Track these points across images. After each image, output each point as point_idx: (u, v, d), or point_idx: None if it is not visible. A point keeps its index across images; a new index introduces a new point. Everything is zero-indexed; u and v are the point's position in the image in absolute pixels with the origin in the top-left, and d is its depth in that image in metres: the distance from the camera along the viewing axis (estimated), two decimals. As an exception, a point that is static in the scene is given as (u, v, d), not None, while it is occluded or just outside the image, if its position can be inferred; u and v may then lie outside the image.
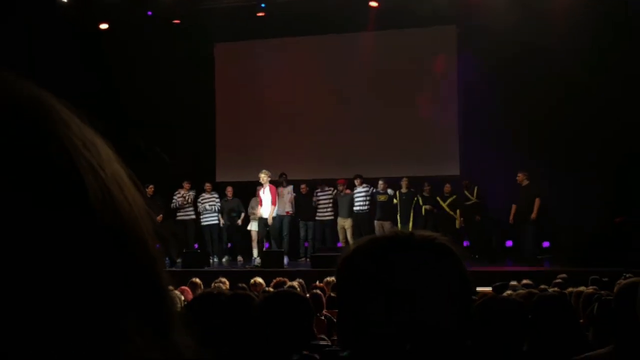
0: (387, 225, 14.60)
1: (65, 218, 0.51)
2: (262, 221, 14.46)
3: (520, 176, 13.97)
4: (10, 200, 0.50)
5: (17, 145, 0.52)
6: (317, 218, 15.34)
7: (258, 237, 14.66)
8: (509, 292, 5.59)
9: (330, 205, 15.27)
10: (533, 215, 13.58)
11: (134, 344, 0.52)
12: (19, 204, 0.50)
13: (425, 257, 1.20)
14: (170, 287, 0.60)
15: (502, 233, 14.74)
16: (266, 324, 2.65)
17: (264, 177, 14.08)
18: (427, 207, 14.64)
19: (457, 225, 14.53)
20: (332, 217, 15.26)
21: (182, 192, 15.41)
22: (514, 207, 14.06)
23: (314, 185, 15.48)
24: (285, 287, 7.52)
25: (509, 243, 14.67)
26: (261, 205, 14.35)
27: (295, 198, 15.26)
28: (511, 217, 14.10)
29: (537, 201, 13.59)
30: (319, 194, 15.33)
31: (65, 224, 0.51)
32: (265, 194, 14.25)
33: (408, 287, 1.18)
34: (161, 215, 14.75)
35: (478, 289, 7.26)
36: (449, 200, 14.67)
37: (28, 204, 0.50)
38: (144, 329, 0.54)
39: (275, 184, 14.84)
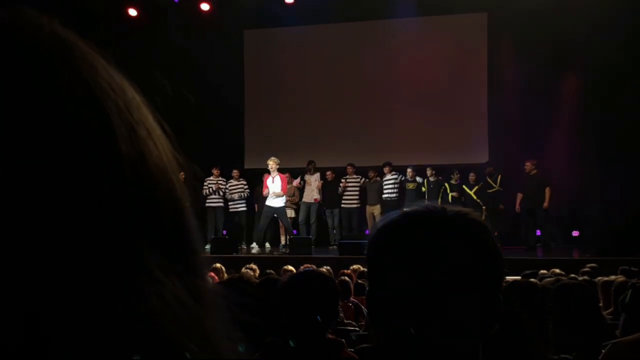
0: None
1: (92, 163, 0.50)
2: (268, 209, 13.90)
3: (528, 165, 13.86)
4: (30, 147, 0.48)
5: (37, 87, 0.50)
6: (342, 205, 15.32)
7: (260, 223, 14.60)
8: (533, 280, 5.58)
9: (358, 192, 15.25)
10: (545, 204, 13.47)
11: (155, 279, 0.51)
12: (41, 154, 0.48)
13: (458, 229, 1.19)
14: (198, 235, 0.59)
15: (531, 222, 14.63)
16: (291, 302, 2.67)
17: (272, 164, 13.61)
18: (454, 194, 14.57)
19: (483, 216, 14.43)
20: (358, 205, 15.23)
21: (213, 178, 15.52)
22: (519, 195, 13.97)
23: (340, 172, 15.45)
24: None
25: (539, 232, 14.55)
26: (265, 191, 13.92)
27: (323, 185, 15.28)
28: (517, 206, 14.03)
29: (547, 190, 13.46)
30: (347, 180, 15.31)
31: (91, 166, 0.50)
32: (274, 182, 13.76)
33: (439, 254, 1.16)
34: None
35: (507, 278, 7.24)
36: (475, 188, 14.58)
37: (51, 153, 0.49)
38: (167, 266, 0.53)
39: (304, 171, 14.86)
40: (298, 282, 2.76)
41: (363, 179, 15.20)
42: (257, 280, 3.48)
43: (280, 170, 13.82)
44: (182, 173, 0.61)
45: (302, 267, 8.55)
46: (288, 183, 14.27)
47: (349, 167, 15.29)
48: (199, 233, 0.59)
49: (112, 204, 0.50)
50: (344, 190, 15.25)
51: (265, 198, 13.85)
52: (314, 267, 8.82)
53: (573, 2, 14.24)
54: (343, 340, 2.81)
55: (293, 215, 15.21)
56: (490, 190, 14.50)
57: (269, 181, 13.77)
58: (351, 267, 9.24)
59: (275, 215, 14.02)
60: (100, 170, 0.50)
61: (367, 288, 1.29)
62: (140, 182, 0.53)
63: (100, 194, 0.50)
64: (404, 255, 1.18)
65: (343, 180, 15.25)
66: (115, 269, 0.50)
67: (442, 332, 1.16)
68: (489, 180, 14.56)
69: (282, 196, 13.78)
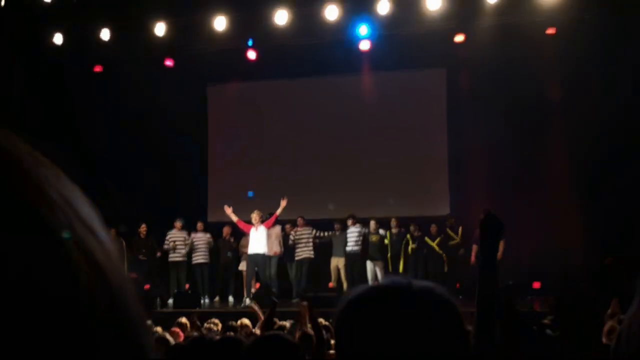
0: (379, 264, 14.67)
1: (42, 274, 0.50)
2: (252, 259, 14.40)
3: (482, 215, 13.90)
4: None
5: None
6: (296, 258, 15.21)
7: (247, 277, 14.72)
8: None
9: (310, 243, 15.24)
10: (499, 255, 13.45)
11: None
12: None
13: (424, 309, 1.21)
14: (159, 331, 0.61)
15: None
16: None
17: (256, 217, 14.13)
18: (414, 246, 14.63)
19: (445, 269, 14.51)
20: (309, 256, 15.17)
21: (175, 232, 15.44)
22: (474, 246, 13.95)
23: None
24: (275, 327, 7.52)
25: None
26: (248, 244, 14.40)
27: (283, 237, 15.28)
28: (472, 257, 13.98)
29: (501, 243, 13.45)
30: (298, 231, 15.31)
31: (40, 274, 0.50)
32: (258, 231, 14.25)
33: (407, 340, 1.18)
34: (160, 253, 15.08)
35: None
36: (437, 240, 14.67)
37: None
38: None
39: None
40: (260, 348, 2.73)
41: (314, 231, 15.22)
42: (217, 338, 3.45)
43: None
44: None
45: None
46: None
47: (299, 219, 15.34)
48: (150, 332, 0.60)
49: (63, 312, 0.50)
50: (295, 243, 15.23)
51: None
52: (277, 320, 8.80)
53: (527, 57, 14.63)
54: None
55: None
56: (452, 243, 14.60)
57: (252, 231, 14.28)
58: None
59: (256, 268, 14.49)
60: (50, 276, 0.50)
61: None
62: (95, 302, 0.53)
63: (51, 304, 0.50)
64: (370, 331, 1.20)
65: (292, 233, 15.24)
66: None
67: None
68: (449, 232, 14.67)
69: (265, 242, 14.32)
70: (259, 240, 14.30)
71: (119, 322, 0.55)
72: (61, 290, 0.50)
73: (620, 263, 11.38)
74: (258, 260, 14.39)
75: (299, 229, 15.27)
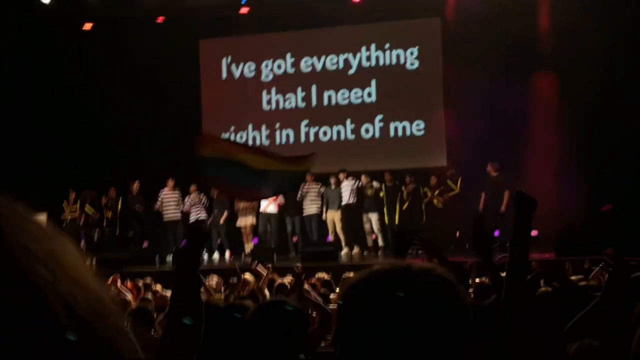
0: (374, 217, 14.72)
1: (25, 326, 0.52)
2: (264, 217, 15.06)
3: (489, 167, 14.02)
4: None
5: None
6: (304, 214, 15.30)
7: (249, 232, 14.94)
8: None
9: (318, 199, 15.28)
10: (502, 209, 13.58)
11: None
12: None
13: (425, 292, 1.21)
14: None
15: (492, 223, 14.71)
16: (257, 338, 2.63)
17: None
18: (407, 202, 14.66)
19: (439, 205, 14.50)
20: (317, 212, 15.23)
21: (167, 190, 15.43)
22: (482, 195, 14.12)
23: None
24: (275, 285, 7.54)
25: (497, 233, 14.68)
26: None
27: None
28: (480, 206, 14.10)
29: (506, 194, 13.57)
30: (305, 188, 15.32)
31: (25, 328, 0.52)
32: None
33: (409, 324, 1.18)
34: (142, 207, 15.27)
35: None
36: (437, 191, 14.66)
37: None
38: None
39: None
40: (262, 318, 2.70)
41: (321, 186, 15.22)
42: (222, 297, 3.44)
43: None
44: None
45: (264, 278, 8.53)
46: None
47: (308, 174, 15.29)
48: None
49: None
50: (303, 198, 15.26)
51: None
52: (276, 276, 8.84)
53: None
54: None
55: (254, 222, 15.19)
56: (451, 194, 14.60)
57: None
58: (316, 276, 9.28)
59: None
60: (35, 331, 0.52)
61: (338, 349, 1.29)
62: (80, 344, 0.54)
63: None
64: (371, 318, 1.20)
65: (301, 188, 15.25)
66: None
67: None
68: (449, 182, 14.66)
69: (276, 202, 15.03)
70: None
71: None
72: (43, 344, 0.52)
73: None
74: (271, 219, 15.15)
75: (306, 184, 15.20)
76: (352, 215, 14.87)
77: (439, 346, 1.19)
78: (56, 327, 0.53)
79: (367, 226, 14.90)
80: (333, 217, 15.03)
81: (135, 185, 15.48)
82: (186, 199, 15.50)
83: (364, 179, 14.91)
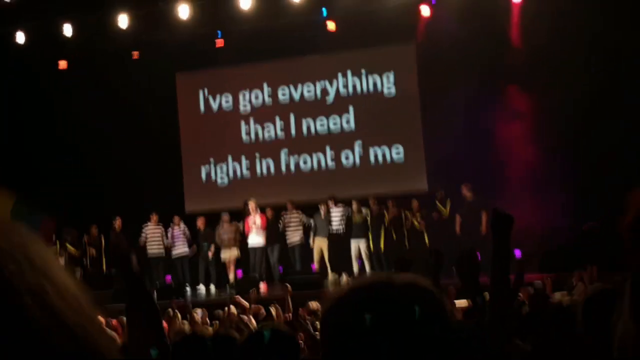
0: (362, 243, 14.69)
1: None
2: (257, 250, 14.89)
3: (463, 189, 14.10)
4: None
5: None
6: (288, 242, 15.25)
7: (232, 265, 14.76)
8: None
9: (300, 227, 15.24)
10: (483, 229, 13.63)
11: None
12: None
13: (407, 304, 1.20)
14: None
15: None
16: None
17: (252, 205, 14.29)
18: (389, 226, 14.68)
19: (427, 242, 14.53)
20: (300, 241, 15.19)
21: (151, 225, 15.36)
22: (457, 217, 14.21)
23: (280, 209, 15.41)
24: (262, 317, 7.50)
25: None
26: (249, 233, 14.80)
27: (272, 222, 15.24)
28: (457, 228, 14.20)
29: (484, 214, 13.65)
30: (286, 217, 15.29)
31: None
32: (256, 222, 14.71)
33: (391, 337, 1.17)
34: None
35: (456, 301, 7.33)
36: (418, 215, 14.69)
37: None
38: None
39: (243, 212, 14.89)
40: (257, 343, 2.68)
41: (302, 214, 15.21)
42: (210, 332, 3.43)
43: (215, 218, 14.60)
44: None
45: (249, 309, 8.48)
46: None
47: (288, 203, 15.29)
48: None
49: None
50: (285, 228, 15.21)
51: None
52: (261, 307, 8.78)
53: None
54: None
55: (238, 254, 15.10)
56: (442, 216, 14.62)
57: (250, 221, 14.72)
58: (311, 305, 9.09)
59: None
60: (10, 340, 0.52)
61: None
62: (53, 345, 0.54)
63: None
64: (354, 331, 1.19)
65: (282, 217, 15.23)
66: None
67: None
68: (439, 205, 14.69)
69: (263, 233, 14.82)
70: (258, 231, 14.85)
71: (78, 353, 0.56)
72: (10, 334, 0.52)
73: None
74: (257, 251, 14.92)
75: (287, 213, 15.20)
76: (339, 243, 14.85)
77: (425, 359, 1.18)
78: (26, 318, 0.53)
79: (353, 253, 14.84)
80: (321, 245, 14.97)
81: (118, 222, 15.36)
82: (169, 230, 15.44)
83: (354, 205, 14.90)
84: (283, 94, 17.04)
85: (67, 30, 15.45)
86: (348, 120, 16.62)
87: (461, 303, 6.67)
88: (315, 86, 16.88)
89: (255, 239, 14.88)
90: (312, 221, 15.11)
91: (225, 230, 14.97)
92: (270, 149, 16.93)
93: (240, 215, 15.18)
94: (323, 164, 16.59)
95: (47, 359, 0.52)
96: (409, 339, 1.17)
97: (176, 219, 15.54)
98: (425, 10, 15.20)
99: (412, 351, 1.17)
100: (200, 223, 15.57)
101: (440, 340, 1.20)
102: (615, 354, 1.44)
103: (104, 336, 0.60)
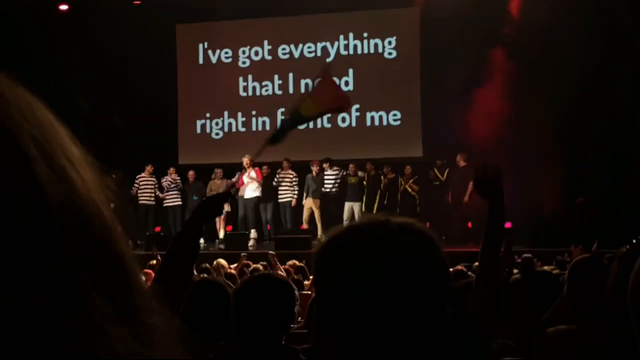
0: (356, 206, 14.73)
1: (13, 202, 0.49)
2: (249, 202, 14.87)
3: (458, 157, 14.15)
4: None
5: None
6: (279, 200, 15.31)
7: (222, 219, 14.79)
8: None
9: (294, 186, 15.26)
10: (466, 199, 13.67)
11: (98, 329, 0.50)
12: None
13: (403, 245, 1.17)
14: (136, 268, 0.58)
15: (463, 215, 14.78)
16: (248, 309, 2.61)
17: (247, 160, 14.20)
18: (384, 187, 14.72)
19: (418, 209, 14.59)
20: (291, 200, 15.23)
21: (145, 175, 15.38)
22: (450, 184, 14.35)
23: (276, 167, 15.40)
24: (249, 269, 7.54)
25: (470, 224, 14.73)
26: (243, 187, 14.84)
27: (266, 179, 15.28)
28: (449, 198, 14.29)
29: (470, 184, 13.63)
30: (281, 174, 15.31)
31: (13, 207, 0.49)
32: (251, 175, 14.67)
33: (387, 276, 1.15)
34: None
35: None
36: (411, 181, 14.74)
37: None
38: (111, 313, 0.51)
39: (240, 168, 14.87)
40: (255, 288, 2.68)
41: (295, 175, 15.26)
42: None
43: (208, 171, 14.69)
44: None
45: (238, 263, 8.51)
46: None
47: (284, 161, 15.26)
48: (135, 261, 0.59)
49: (40, 254, 0.49)
50: (279, 184, 15.23)
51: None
52: (250, 262, 8.83)
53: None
54: (298, 348, 2.77)
55: (228, 208, 15.11)
56: (436, 183, 14.69)
57: (244, 176, 14.70)
58: (288, 263, 9.26)
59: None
60: (25, 219, 0.49)
61: (315, 301, 1.27)
62: (70, 221, 0.52)
63: (26, 249, 0.49)
64: (348, 271, 1.17)
65: (277, 174, 15.26)
66: (56, 323, 0.49)
67: (387, 347, 1.15)
68: (437, 172, 14.73)
69: (258, 187, 14.85)
70: (253, 183, 14.81)
71: (91, 245, 0.53)
72: (25, 203, 0.49)
73: None
74: (249, 205, 14.93)
75: (282, 171, 15.22)
76: (330, 204, 14.90)
77: (420, 305, 1.16)
78: (30, 170, 0.50)
79: (346, 215, 14.86)
80: (312, 204, 15.01)
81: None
82: (163, 179, 15.46)
83: (351, 167, 14.92)
84: (283, 51, 16.95)
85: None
86: (347, 82, 16.53)
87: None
88: (316, 46, 16.79)
89: (250, 192, 14.88)
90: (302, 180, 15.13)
91: (217, 185, 14.97)
92: (267, 105, 16.84)
93: (232, 172, 15.15)
94: (319, 124, 16.52)
95: (57, 232, 0.50)
96: (405, 285, 1.15)
97: (171, 169, 15.59)
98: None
99: (407, 298, 1.15)
100: (190, 175, 15.60)
101: (436, 287, 1.18)
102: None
103: (109, 213, 0.57)
